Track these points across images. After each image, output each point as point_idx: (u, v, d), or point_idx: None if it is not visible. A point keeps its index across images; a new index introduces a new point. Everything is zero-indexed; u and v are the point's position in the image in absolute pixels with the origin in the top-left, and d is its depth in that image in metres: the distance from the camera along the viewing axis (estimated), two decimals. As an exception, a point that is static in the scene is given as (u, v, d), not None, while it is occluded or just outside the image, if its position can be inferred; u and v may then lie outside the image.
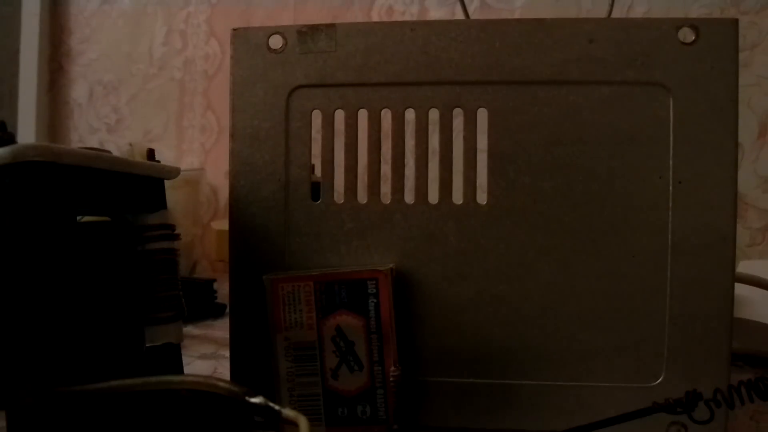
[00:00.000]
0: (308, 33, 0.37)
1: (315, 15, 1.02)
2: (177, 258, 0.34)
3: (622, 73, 0.35)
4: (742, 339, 0.52)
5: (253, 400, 0.25)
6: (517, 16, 0.90)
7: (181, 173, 0.37)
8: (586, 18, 0.38)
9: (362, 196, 0.36)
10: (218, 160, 1.08)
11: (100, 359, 0.30)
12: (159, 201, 0.35)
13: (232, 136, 0.37)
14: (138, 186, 0.34)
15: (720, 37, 0.34)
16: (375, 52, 0.36)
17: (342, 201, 0.37)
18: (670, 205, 0.34)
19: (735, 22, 0.34)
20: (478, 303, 0.35)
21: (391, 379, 0.34)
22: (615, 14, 0.48)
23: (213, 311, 0.72)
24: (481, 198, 0.36)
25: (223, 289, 0.72)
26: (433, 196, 0.36)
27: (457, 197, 0.36)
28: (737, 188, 0.34)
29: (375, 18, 0.99)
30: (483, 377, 0.35)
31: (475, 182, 0.36)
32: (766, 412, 0.41)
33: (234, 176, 0.37)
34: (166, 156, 1.07)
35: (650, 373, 0.34)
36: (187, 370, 0.40)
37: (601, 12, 0.77)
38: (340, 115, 0.37)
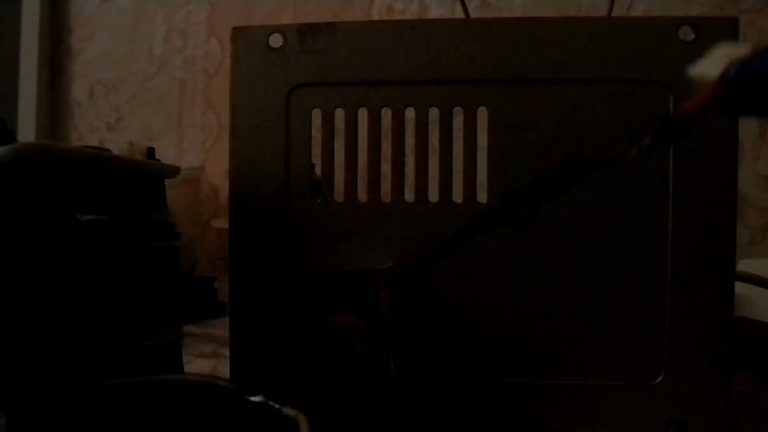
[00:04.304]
0: (308, 32, 0.37)
1: (315, 14, 1.01)
2: (177, 256, 0.34)
3: (622, 72, 0.35)
4: (742, 337, 0.52)
5: (254, 398, 0.25)
6: (517, 14, 0.90)
7: (181, 172, 0.37)
8: (585, 17, 0.38)
9: (362, 195, 0.36)
10: (218, 159, 1.08)
11: (100, 357, 0.30)
12: (159, 200, 0.35)
13: (232, 134, 0.37)
14: (138, 184, 0.34)
15: (720, 36, 0.34)
16: (375, 51, 0.36)
17: (342, 200, 0.37)
18: (670, 203, 0.34)
19: (735, 21, 0.34)
20: (477, 302, 0.35)
21: (391, 377, 0.34)
22: (615, 13, 0.48)
23: (213, 310, 0.72)
24: (481, 197, 0.36)
25: (223, 288, 0.72)
26: (433, 195, 0.36)
27: (457, 196, 0.36)
28: (737, 187, 0.34)
29: (375, 17, 0.99)
30: (483, 376, 0.35)
31: (475, 181, 0.36)
32: (766, 411, 0.41)
33: (234, 175, 0.37)
34: (166, 155, 1.06)
35: (650, 372, 0.34)
36: (187, 368, 0.40)
37: (600, 11, 0.77)
38: (340, 114, 0.37)
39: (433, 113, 0.36)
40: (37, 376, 0.26)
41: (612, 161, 0.26)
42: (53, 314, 0.26)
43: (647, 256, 0.34)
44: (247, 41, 0.37)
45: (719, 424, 0.34)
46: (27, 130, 1.17)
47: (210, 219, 1.06)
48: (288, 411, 0.26)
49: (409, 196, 0.36)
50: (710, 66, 0.22)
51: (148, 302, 0.33)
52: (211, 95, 1.10)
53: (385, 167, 0.36)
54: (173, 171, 0.36)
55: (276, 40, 0.37)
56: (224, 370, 0.46)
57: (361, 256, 0.36)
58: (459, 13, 0.52)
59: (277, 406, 0.25)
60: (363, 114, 0.36)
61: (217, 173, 1.07)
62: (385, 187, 0.36)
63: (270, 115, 0.37)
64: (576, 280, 0.35)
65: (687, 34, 0.34)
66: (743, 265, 0.58)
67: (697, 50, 0.34)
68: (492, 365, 0.35)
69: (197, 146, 1.11)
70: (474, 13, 0.89)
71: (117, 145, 1.09)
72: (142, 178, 0.34)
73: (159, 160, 0.39)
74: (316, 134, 0.37)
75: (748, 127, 0.79)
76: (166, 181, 0.36)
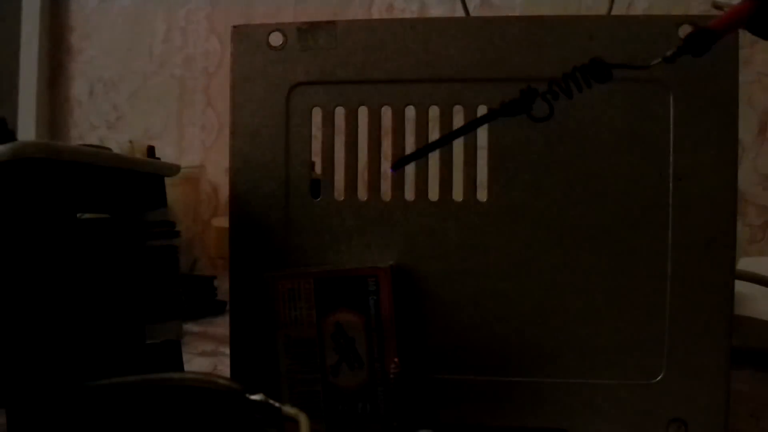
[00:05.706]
0: (308, 30, 0.37)
1: (315, 12, 1.01)
2: (177, 255, 0.35)
3: (623, 71, 0.35)
4: (742, 336, 0.52)
5: (254, 397, 0.25)
6: (517, 13, 0.90)
7: (181, 170, 0.37)
8: (586, 15, 0.38)
9: (362, 194, 0.36)
10: (218, 158, 1.08)
11: (100, 356, 0.30)
12: (159, 198, 0.35)
13: (233, 133, 0.37)
14: (138, 183, 0.34)
15: (720, 34, 0.34)
16: (375, 50, 0.36)
17: (342, 198, 0.37)
18: (670, 202, 0.34)
19: (735, 19, 0.34)
20: (478, 300, 0.35)
21: (391, 376, 0.34)
22: (615, 11, 0.48)
23: (213, 308, 0.72)
24: (482, 195, 0.36)
25: (223, 287, 0.72)
26: (434, 194, 0.36)
27: (458, 194, 0.36)
28: (737, 185, 0.34)
29: (375, 15, 0.99)
30: (483, 374, 0.35)
31: (476, 179, 0.36)
32: (767, 409, 0.41)
33: (234, 173, 0.37)
34: (166, 153, 1.06)
35: (650, 371, 0.34)
36: (187, 367, 0.40)
37: (601, 9, 0.77)
38: (340, 112, 0.37)
39: (433, 112, 0.36)
40: (37, 374, 0.26)
41: (634, 66, 0.26)
42: (53, 313, 0.26)
43: (647, 256, 0.34)
44: (247, 40, 0.37)
45: (719, 423, 0.34)
46: (27, 129, 1.17)
47: (210, 217, 1.06)
48: (288, 409, 0.26)
49: (409, 194, 0.36)
50: None
51: (148, 300, 0.33)
52: (211, 94, 1.10)
53: (386, 166, 0.36)
54: (173, 169, 0.36)
55: (276, 39, 0.37)
56: (224, 369, 0.46)
57: (362, 255, 0.36)
58: (459, 12, 0.52)
59: (277, 404, 0.25)
60: (363, 112, 0.36)
61: (217, 172, 1.07)
62: (386, 186, 0.36)
63: (270, 113, 0.37)
64: (576, 278, 0.35)
65: (687, 32, 0.34)
66: (743, 264, 0.58)
67: (698, 49, 0.34)
68: (492, 364, 0.35)
69: (197, 145, 1.11)
70: (474, 12, 0.89)
71: (117, 143, 1.10)
72: (142, 176, 0.34)
73: (159, 159, 0.39)
74: (317, 132, 0.37)
75: (748, 126, 0.79)
76: (166, 179, 0.36)
